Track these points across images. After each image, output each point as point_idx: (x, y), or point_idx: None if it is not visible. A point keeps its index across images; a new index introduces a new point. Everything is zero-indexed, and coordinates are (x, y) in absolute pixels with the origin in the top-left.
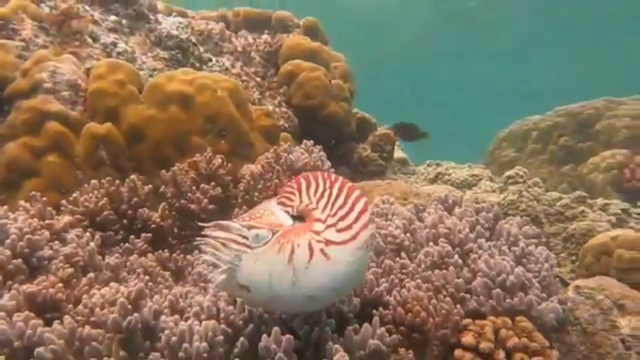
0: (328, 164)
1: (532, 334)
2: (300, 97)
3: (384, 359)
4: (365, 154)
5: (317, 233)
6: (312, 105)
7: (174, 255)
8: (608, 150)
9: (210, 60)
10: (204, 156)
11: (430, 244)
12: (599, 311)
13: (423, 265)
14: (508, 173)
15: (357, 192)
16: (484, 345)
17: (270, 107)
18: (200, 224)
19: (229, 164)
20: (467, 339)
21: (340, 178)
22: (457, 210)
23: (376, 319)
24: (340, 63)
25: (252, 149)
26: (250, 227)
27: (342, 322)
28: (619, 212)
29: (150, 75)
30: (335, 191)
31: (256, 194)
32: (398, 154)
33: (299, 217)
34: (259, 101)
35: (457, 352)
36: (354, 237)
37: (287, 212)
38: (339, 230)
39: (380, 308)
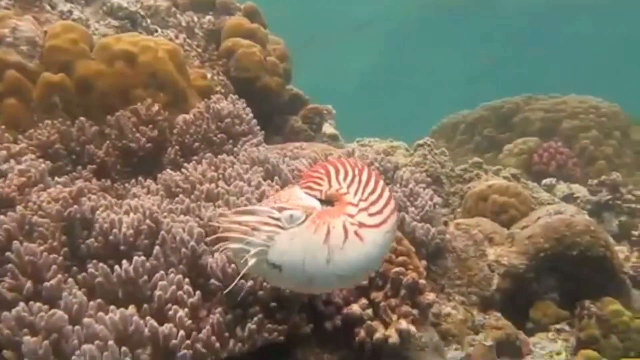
0: (251, 115)
1: (402, 241)
2: (237, 69)
3: None
4: (297, 125)
5: (351, 216)
6: (248, 77)
7: (115, 185)
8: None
9: (157, 30)
10: (144, 104)
11: None
12: (472, 242)
13: None
14: (418, 142)
15: (382, 180)
16: None
17: (209, 75)
18: (221, 212)
19: (166, 112)
20: None
21: (366, 166)
22: (357, 154)
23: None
24: (279, 46)
25: (187, 102)
26: (281, 209)
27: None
28: (509, 176)
29: None
30: (364, 178)
31: (187, 136)
32: (330, 130)
33: (327, 202)
34: (202, 68)
35: None
36: (384, 221)
37: (314, 196)
38: (370, 215)
39: None
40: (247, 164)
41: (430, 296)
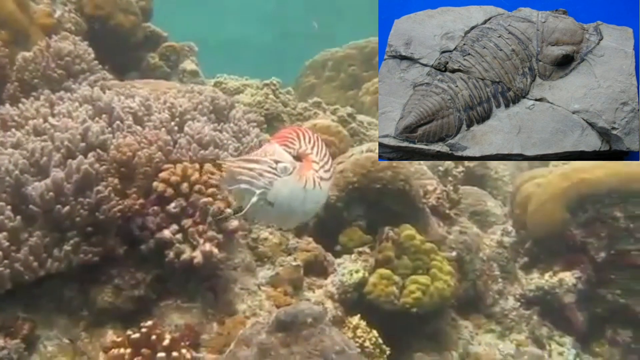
0: (92, 55)
1: (214, 174)
2: (91, 7)
3: (94, 182)
4: (153, 62)
5: (316, 171)
6: (102, 15)
7: None
8: None
9: None
10: None
11: (157, 113)
12: None
13: (147, 128)
14: (264, 82)
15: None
16: (173, 179)
17: (59, 13)
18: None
19: (7, 50)
20: (163, 174)
21: (318, 135)
22: (188, 95)
23: (92, 154)
24: None
25: (29, 40)
26: (276, 162)
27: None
28: (344, 115)
29: None
30: (319, 143)
31: (26, 73)
32: (191, 66)
33: (297, 158)
34: (49, 7)
35: (155, 183)
36: (331, 177)
37: (289, 152)
38: (325, 171)
39: (99, 150)
40: (78, 101)
41: (235, 223)
